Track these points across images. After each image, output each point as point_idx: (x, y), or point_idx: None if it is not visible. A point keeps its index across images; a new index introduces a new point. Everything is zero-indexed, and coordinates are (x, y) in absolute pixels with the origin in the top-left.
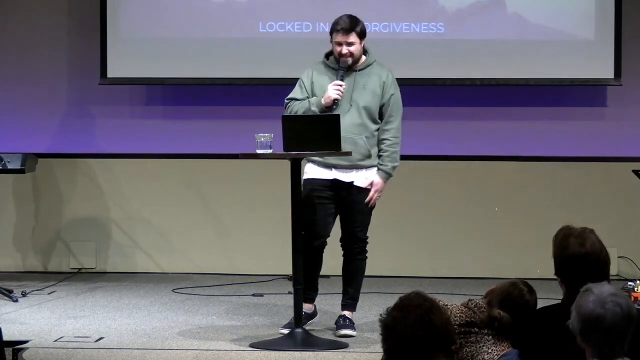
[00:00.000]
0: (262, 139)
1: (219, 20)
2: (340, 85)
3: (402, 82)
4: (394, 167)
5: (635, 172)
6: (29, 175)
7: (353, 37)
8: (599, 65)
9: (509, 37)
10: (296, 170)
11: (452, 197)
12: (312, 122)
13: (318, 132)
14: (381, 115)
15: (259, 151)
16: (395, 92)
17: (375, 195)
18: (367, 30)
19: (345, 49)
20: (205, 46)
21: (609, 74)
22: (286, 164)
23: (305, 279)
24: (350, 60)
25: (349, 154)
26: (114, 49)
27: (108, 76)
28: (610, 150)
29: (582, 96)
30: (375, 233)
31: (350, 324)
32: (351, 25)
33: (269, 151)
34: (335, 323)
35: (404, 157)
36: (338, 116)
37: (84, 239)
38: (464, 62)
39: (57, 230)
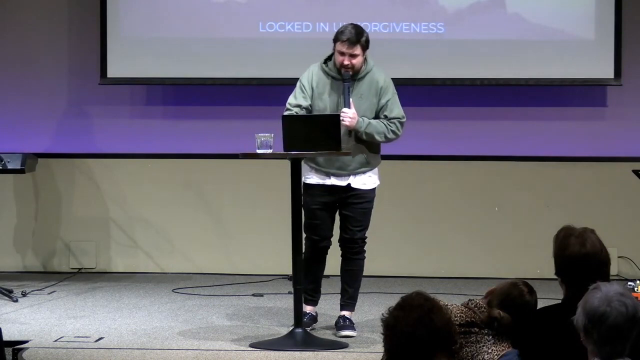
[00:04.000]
0: (262, 139)
1: (219, 20)
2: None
3: (402, 82)
4: (366, 131)
5: (635, 172)
6: (29, 175)
7: (358, 50)
8: (599, 65)
9: (509, 37)
10: (296, 170)
11: (452, 197)
12: (312, 122)
13: (318, 132)
14: (377, 117)
15: (259, 151)
16: (392, 96)
17: (345, 116)
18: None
19: (347, 61)
20: (205, 46)
21: (609, 74)
22: (286, 164)
23: (311, 281)
24: (351, 72)
25: (348, 154)
26: (114, 49)
27: (108, 76)
28: (610, 150)
29: (582, 96)
30: (376, 233)
31: (350, 324)
32: (357, 37)
33: (269, 151)
34: (335, 323)
35: (403, 157)
36: (338, 116)
37: (84, 239)
38: (464, 62)
39: (57, 230)
